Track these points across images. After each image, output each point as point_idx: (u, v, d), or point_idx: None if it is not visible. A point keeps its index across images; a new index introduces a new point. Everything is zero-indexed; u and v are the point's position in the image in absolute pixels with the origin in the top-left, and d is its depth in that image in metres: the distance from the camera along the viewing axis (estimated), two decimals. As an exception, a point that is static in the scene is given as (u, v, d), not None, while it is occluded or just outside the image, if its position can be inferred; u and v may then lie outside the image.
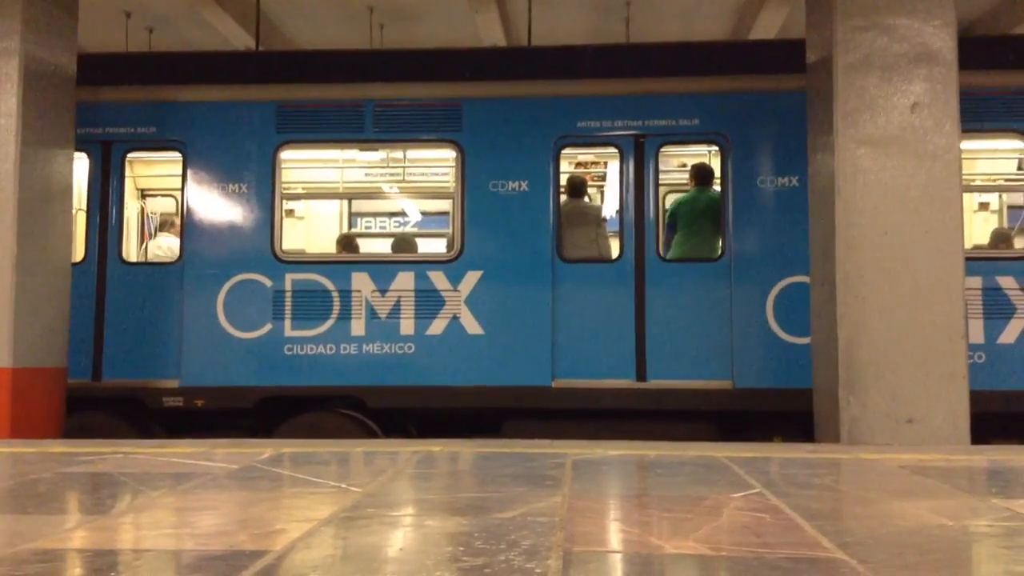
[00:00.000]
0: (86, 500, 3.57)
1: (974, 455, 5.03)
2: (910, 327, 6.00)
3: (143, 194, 9.68)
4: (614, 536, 2.83)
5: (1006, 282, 7.22)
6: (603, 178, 9.46)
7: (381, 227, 12.12)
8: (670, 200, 8.69)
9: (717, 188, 7.89)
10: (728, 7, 13.84)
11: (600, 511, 3.23)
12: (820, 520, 2.99)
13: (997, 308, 7.20)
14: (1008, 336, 7.18)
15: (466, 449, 5.04)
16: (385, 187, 9.87)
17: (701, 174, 8.11)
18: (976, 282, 7.04)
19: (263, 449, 5.02)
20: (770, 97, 7.58)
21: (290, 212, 10.18)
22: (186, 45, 14.31)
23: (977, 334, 7.09)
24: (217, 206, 7.80)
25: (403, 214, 12.02)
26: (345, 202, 10.87)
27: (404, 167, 9.43)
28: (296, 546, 2.57)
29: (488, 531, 2.76)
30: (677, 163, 9.15)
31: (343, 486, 3.70)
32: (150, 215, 9.70)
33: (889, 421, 5.94)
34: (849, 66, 6.20)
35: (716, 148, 7.85)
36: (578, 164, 9.30)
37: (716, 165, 8.16)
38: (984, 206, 9.70)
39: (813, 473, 4.20)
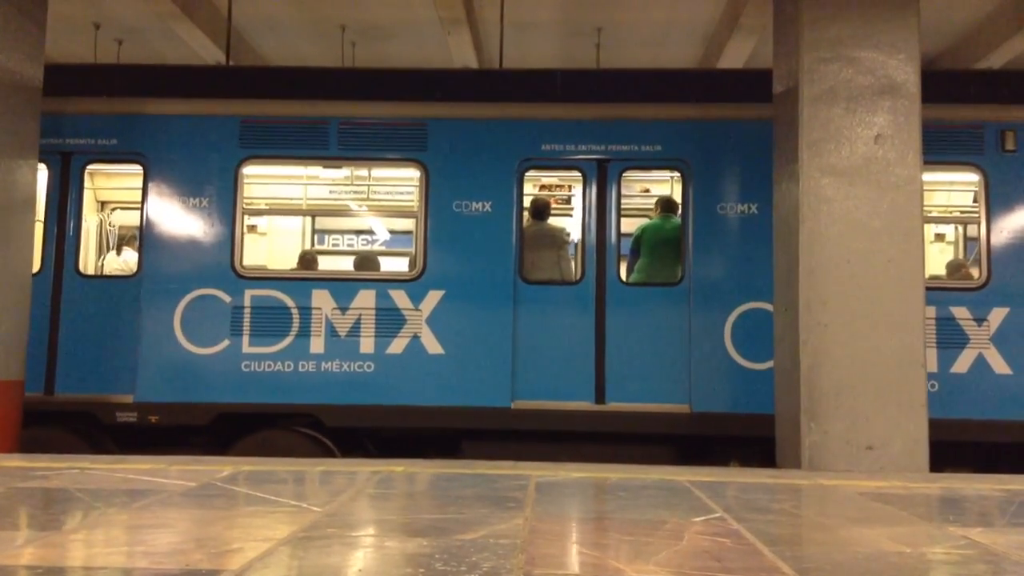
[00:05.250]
0: (39, 516, 3.50)
1: (932, 483, 5.09)
2: (871, 355, 6.06)
3: (103, 207, 9.55)
4: (575, 559, 2.82)
5: (959, 312, 7.34)
6: (569, 201, 9.52)
7: (349, 244, 12.07)
8: (636, 225, 8.76)
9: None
10: (696, 36, 14.05)
11: (562, 534, 3.22)
12: (780, 545, 3.00)
13: (950, 338, 7.32)
14: (960, 366, 7.29)
15: (428, 469, 5.01)
16: (349, 205, 9.84)
17: (667, 203, 8.22)
18: (931, 312, 7.14)
19: (222, 467, 4.96)
20: (731, 125, 7.67)
21: (253, 228, 10.11)
22: (156, 58, 14.22)
23: (931, 363, 7.18)
24: (177, 220, 7.71)
25: (369, 232, 11.99)
26: (309, 219, 10.83)
27: (369, 185, 9.41)
28: (253, 566, 2.54)
29: (449, 552, 2.74)
30: (640, 188, 9.21)
31: (302, 505, 3.66)
32: (109, 228, 9.57)
33: (849, 448, 5.99)
34: (815, 97, 6.29)
35: (677, 174, 7.93)
36: (543, 187, 9.34)
37: (677, 191, 8.25)
38: (940, 237, 9.86)
39: (773, 498, 4.22)
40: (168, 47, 13.89)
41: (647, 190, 8.91)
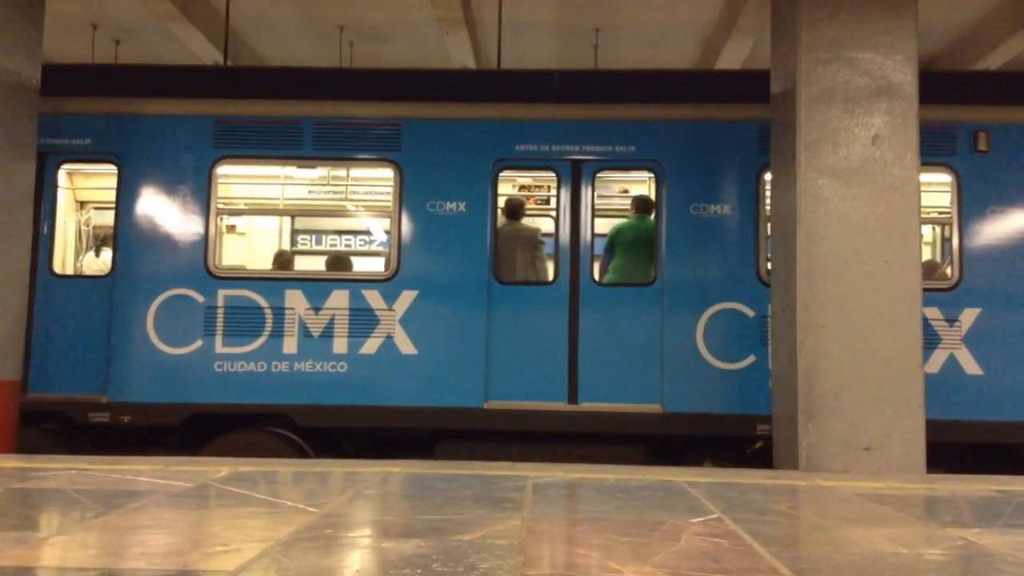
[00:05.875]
0: (36, 517, 3.50)
1: (930, 484, 5.09)
2: (869, 356, 6.07)
3: (83, 206, 9.52)
4: (572, 560, 2.82)
5: (931, 313, 7.35)
6: (548, 201, 9.53)
7: (332, 244, 12.02)
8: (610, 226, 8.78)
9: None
10: (694, 37, 14.06)
11: (559, 535, 3.22)
12: (777, 546, 3.01)
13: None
14: (932, 366, 7.30)
15: (425, 470, 5.01)
16: (325, 205, 9.80)
17: (643, 203, 8.22)
18: None
19: (219, 468, 4.95)
20: (705, 126, 7.68)
21: (232, 228, 10.08)
22: (153, 58, 14.21)
23: None
24: (151, 220, 7.68)
25: (348, 232, 11.95)
26: (289, 219, 10.79)
27: (347, 185, 9.39)
28: (250, 567, 2.54)
29: (446, 553, 2.74)
30: (619, 189, 9.20)
31: (299, 506, 3.66)
32: (83, 227, 9.52)
33: (847, 449, 5.99)
34: (812, 98, 6.30)
35: (651, 175, 7.92)
36: (522, 188, 9.33)
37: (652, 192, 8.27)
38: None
39: (771, 499, 4.22)
40: (166, 47, 13.88)
41: (626, 191, 8.90)
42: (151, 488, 4.13)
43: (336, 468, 5.18)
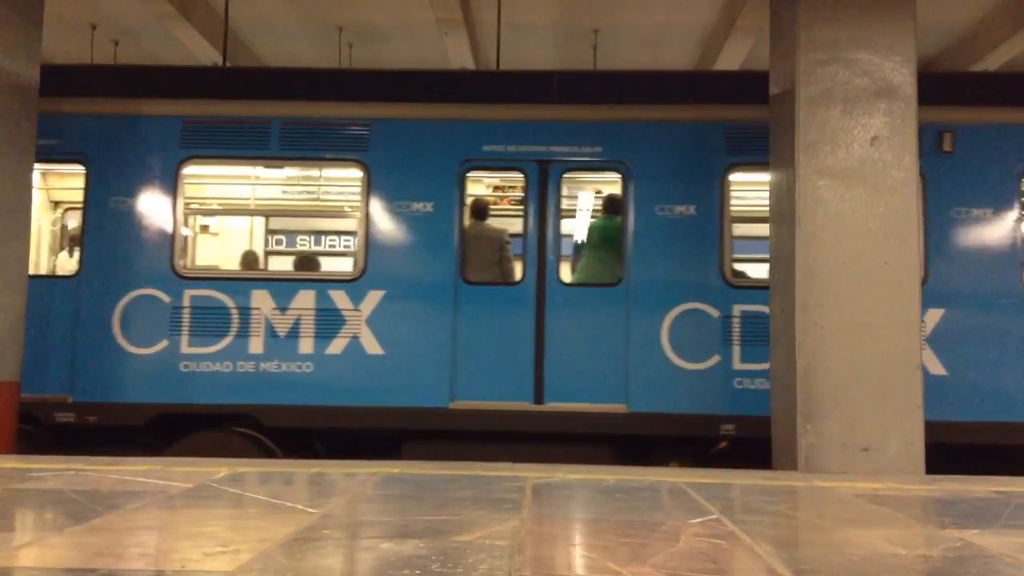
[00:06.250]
0: (35, 517, 3.50)
1: (928, 485, 5.10)
2: (867, 357, 6.07)
3: (56, 207, 9.49)
4: (572, 561, 2.82)
5: None
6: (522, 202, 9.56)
7: (301, 244, 11.89)
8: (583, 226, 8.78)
9: None
10: (693, 38, 14.06)
11: (558, 536, 3.22)
12: (776, 547, 3.01)
13: None
14: None
15: (424, 471, 5.01)
16: (294, 205, 9.75)
17: (610, 203, 8.20)
18: None
19: (218, 468, 4.95)
20: (670, 127, 7.70)
21: (205, 228, 10.04)
22: (152, 59, 14.21)
23: None
24: (117, 219, 7.66)
25: (322, 232, 11.88)
26: (262, 219, 10.72)
27: (320, 185, 9.36)
28: (249, 567, 2.54)
29: (445, 554, 2.74)
30: (594, 190, 9.18)
31: (298, 507, 3.65)
32: (52, 228, 9.49)
33: (845, 450, 5.99)
34: (811, 99, 6.30)
35: (618, 175, 7.89)
36: (496, 188, 9.32)
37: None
38: None
39: (770, 500, 4.22)
40: (165, 48, 13.88)
41: (599, 191, 8.89)
42: (150, 488, 4.13)
43: (335, 469, 5.18)
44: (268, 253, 10.50)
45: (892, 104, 6.25)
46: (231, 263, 9.90)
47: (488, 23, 12.81)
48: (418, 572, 2.50)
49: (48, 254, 9.27)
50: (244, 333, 7.50)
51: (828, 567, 2.72)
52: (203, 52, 13.67)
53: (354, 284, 7.56)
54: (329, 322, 7.50)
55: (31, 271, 7.87)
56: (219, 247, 10.47)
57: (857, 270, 6.12)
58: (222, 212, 10.08)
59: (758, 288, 7.41)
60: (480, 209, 8.17)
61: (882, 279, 6.12)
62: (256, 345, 7.50)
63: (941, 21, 12.64)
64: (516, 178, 8.25)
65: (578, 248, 8.13)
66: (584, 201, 9.19)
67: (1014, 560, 2.90)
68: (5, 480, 4.35)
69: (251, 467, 5.09)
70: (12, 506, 3.68)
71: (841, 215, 6.17)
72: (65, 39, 13.42)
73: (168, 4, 12.20)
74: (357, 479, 4.61)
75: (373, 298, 7.51)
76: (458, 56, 13.69)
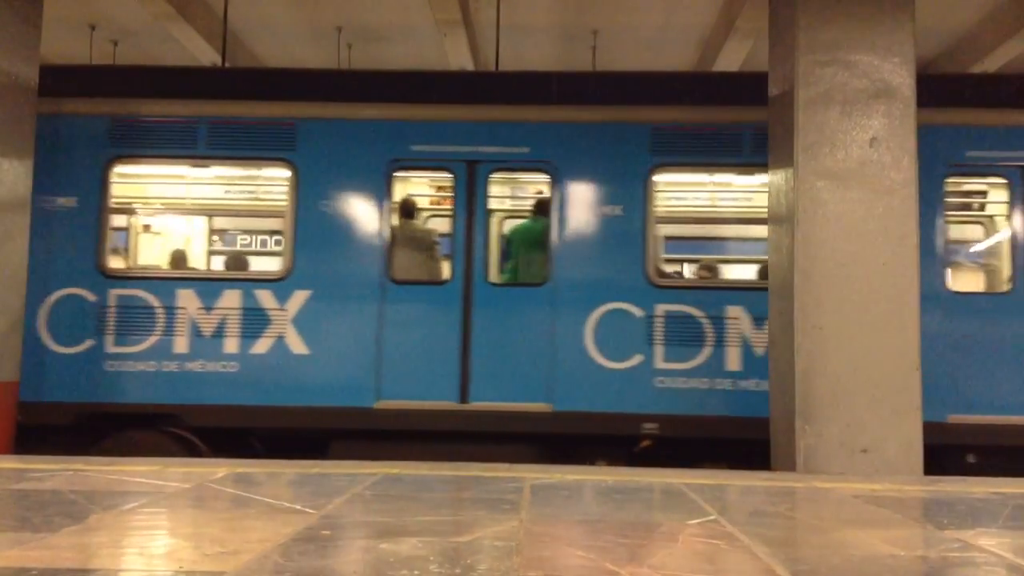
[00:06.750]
0: (33, 518, 3.50)
1: (927, 486, 5.10)
2: (866, 358, 6.07)
3: None
4: (570, 561, 2.82)
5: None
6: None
7: (244, 244, 11.73)
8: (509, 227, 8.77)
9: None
10: (692, 40, 14.07)
11: (557, 536, 3.22)
12: (774, 548, 3.01)
13: None
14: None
15: (424, 472, 5.01)
16: (224, 204, 9.66)
17: (539, 204, 8.20)
18: None
19: (217, 468, 4.95)
20: (597, 128, 7.70)
21: (148, 227, 9.98)
22: (151, 60, 14.21)
23: None
24: (44, 218, 7.62)
25: (261, 232, 11.75)
26: (205, 218, 10.58)
27: (257, 184, 9.27)
28: (249, 568, 2.54)
29: (444, 554, 2.74)
30: (534, 190, 9.17)
31: (297, 507, 3.65)
32: None
33: (844, 451, 5.99)
34: (810, 100, 6.30)
35: (546, 176, 7.88)
36: (439, 188, 9.30)
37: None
38: None
39: (768, 501, 4.22)
40: (164, 49, 13.88)
41: (540, 191, 8.90)
42: (148, 489, 4.13)
43: (334, 469, 5.18)
44: (211, 253, 10.41)
45: (891, 105, 6.25)
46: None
47: (487, 24, 12.81)
48: (417, 572, 2.50)
49: None
50: (169, 332, 7.48)
51: (827, 568, 2.72)
52: (202, 53, 13.66)
53: (280, 284, 7.55)
54: (254, 321, 7.48)
55: None
56: (160, 247, 10.32)
57: (856, 271, 6.12)
58: (152, 212, 9.64)
59: (682, 288, 7.54)
60: (409, 208, 8.17)
61: (881, 280, 6.12)
62: (181, 344, 7.47)
63: (940, 22, 12.65)
64: (445, 178, 8.24)
65: (506, 248, 8.12)
66: (513, 201, 9.19)
67: (1013, 561, 2.90)
68: (4, 480, 4.35)
69: (250, 467, 5.09)
70: (11, 506, 3.68)
71: (840, 216, 6.17)
72: (64, 40, 13.42)
73: (167, 4, 12.20)
74: (357, 480, 4.61)
75: (299, 298, 7.50)
76: (457, 57, 13.69)
